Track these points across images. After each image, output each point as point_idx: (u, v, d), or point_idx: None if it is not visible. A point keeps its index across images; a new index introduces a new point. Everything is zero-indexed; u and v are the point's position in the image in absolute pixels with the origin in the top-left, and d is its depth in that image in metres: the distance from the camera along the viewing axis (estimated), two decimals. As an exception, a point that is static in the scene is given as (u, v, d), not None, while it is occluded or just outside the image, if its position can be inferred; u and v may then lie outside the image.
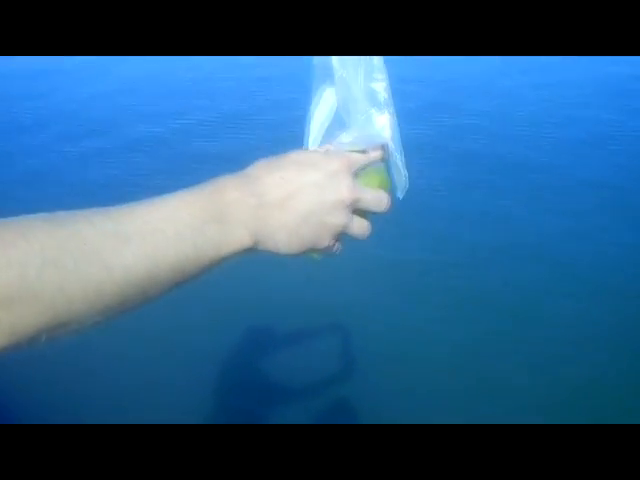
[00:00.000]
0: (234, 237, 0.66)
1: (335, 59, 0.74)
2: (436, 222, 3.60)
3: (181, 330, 2.89)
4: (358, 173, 0.72)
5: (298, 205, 0.68)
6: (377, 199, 0.73)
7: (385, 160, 0.75)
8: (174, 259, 0.62)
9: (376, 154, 0.74)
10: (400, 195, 0.76)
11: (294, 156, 0.71)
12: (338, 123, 0.75)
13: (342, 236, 0.73)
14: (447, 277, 3.18)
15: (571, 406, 2.46)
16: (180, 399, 2.55)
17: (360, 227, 0.73)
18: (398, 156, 0.75)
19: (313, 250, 0.72)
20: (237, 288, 3.04)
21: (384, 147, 0.74)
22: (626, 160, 4.14)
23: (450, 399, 2.51)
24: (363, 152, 0.74)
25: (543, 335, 2.83)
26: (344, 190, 0.69)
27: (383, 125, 0.74)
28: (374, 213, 0.74)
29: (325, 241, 0.71)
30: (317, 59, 0.75)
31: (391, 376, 2.61)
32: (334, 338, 2.80)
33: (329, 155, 0.72)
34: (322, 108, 0.77)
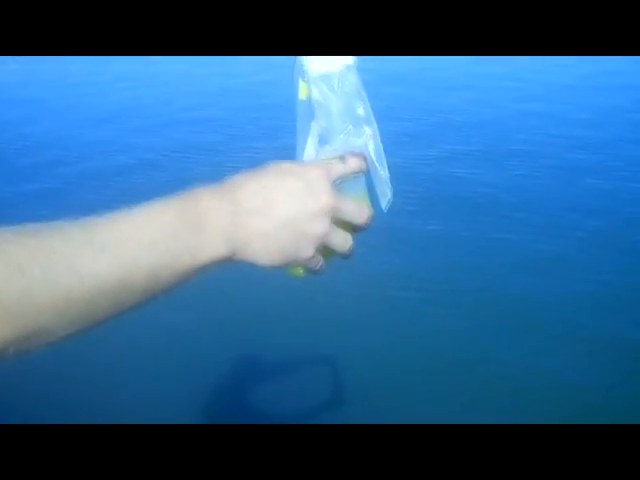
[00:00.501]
0: (210, 245, 0.65)
1: (313, 76, 0.73)
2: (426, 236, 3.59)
3: (179, 333, 2.89)
4: (338, 184, 0.71)
5: (276, 213, 0.67)
6: (358, 209, 0.72)
7: (366, 172, 0.74)
8: (148, 267, 0.61)
9: (355, 163, 0.73)
10: (384, 207, 0.75)
11: (273, 166, 0.70)
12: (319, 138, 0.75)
13: (328, 256, 0.72)
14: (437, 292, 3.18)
15: (570, 406, 2.46)
16: (179, 399, 2.55)
17: (341, 239, 0.71)
18: (379, 167, 0.73)
19: (295, 262, 0.70)
20: (234, 297, 3.06)
21: (365, 159, 0.73)
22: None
23: (449, 399, 2.52)
24: (342, 162, 0.73)
25: (541, 338, 2.83)
26: (323, 198, 0.68)
27: (363, 137, 0.73)
28: (356, 229, 0.73)
29: (306, 251, 0.69)
30: (296, 71, 0.74)
31: (390, 376, 2.61)
32: (330, 343, 2.80)
33: (308, 165, 0.72)
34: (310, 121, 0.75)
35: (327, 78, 0.73)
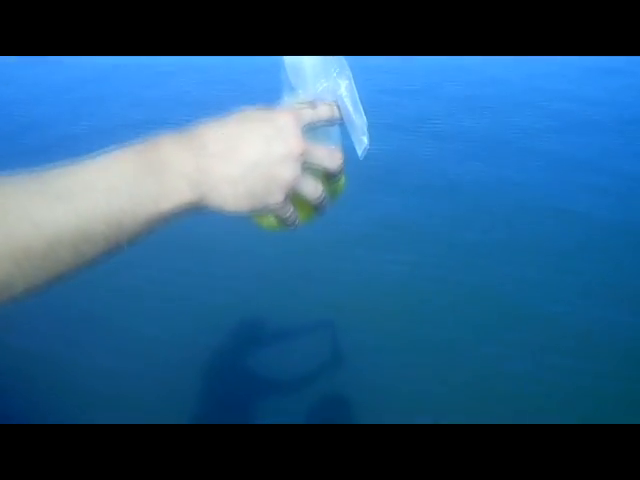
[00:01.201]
0: (173, 190, 0.62)
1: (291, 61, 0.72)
2: (431, 222, 3.60)
3: (177, 331, 2.89)
4: (309, 132, 0.69)
5: (242, 156, 0.64)
6: (329, 154, 0.69)
7: (339, 121, 0.72)
8: (108, 214, 0.59)
9: (326, 110, 0.71)
10: (360, 155, 0.73)
11: (239, 112, 0.67)
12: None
13: (302, 210, 0.69)
14: (439, 278, 3.18)
15: (570, 407, 2.46)
16: (178, 400, 2.55)
17: (312, 186, 0.69)
18: (354, 115, 0.72)
19: (264, 209, 0.67)
20: (232, 286, 3.05)
21: (338, 107, 0.71)
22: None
23: (446, 399, 2.52)
24: (312, 107, 0.70)
25: (539, 337, 2.83)
26: (292, 142, 0.65)
27: (335, 84, 0.71)
28: (329, 177, 0.71)
29: (275, 196, 0.66)
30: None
31: (388, 374, 2.61)
32: (329, 341, 2.80)
33: (275, 110, 0.69)
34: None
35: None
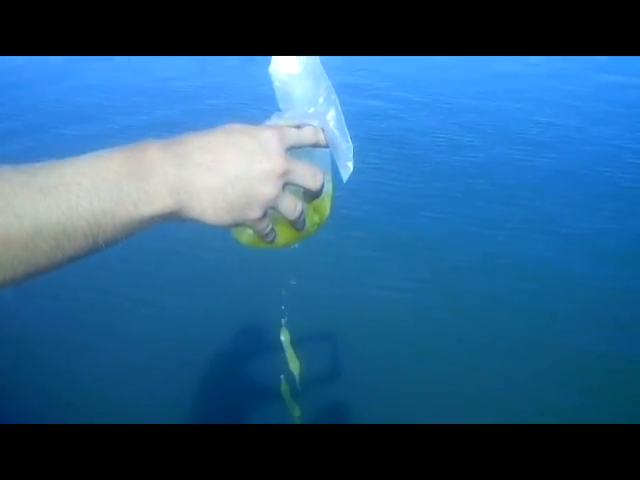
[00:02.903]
0: (154, 196, 0.63)
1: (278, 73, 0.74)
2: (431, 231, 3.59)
3: (176, 331, 2.89)
4: (293, 152, 0.70)
5: (225, 169, 0.65)
6: (311, 173, 0.70)
7: (323, 144, 0.73)
8: (89, 212, 0.60)
9: (311, 132, 0.72)
10: (344, 178, 0.75)
11: (226, 126, 0.69)
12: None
13: (281, 227, 0.70)
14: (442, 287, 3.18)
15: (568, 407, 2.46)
16: (177, 400, 2.55)
17: (290, 203, 0.69)
18: (340, 139, 0.73)
19: (243, 223, 0.69)
20: (230, 287, 3.05)
21: (323, 130, 0.73)
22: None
23: (446, 399, 2.52)
24: (298, 129, 0.72)
25: (540, 338, 2.84)
26: (275, 159, 0.67)
27: (322, 110, 0.73)
28: (309, 196, 0.72)
29: (254, 211, 0.67)
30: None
31: (387, 374, 2.61)
32: (330, 341, 2.80)
33: (261, 126, 0.70)
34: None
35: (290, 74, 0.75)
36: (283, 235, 0.75)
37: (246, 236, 0.76)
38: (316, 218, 0.79)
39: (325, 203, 0.79)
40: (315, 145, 0.73)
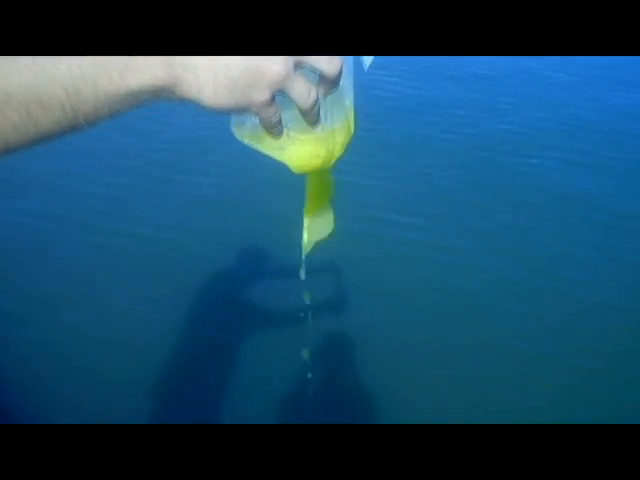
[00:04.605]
0: (144, 64, 0.56)
1: None
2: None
3: (175, 330, 2.89)
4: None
5: (227, 57, 0.57)
6: (327, 58, 0.60)
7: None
8: (66, 76, 0.53)
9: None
10: (366, 67, 0.68)
11: None
12: None
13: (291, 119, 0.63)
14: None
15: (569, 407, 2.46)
16: (177, 400, 2.55)
17: (303, 87, 0.60)
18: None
19: (247, 107, 0.60)
20: (232, 281, 3.05)
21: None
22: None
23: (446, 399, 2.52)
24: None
25: (540, 337, 2.84)
26: (283, 58, 0.58)
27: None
28: (326, 85, 0.63)
29: (261, 93, 0.58)
30: None
31: (386, 374, 2.62)
32: (332, 336, 2.80)
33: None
34: None
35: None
36: (302, 150, 0.67)
37: (249, 131, 0.67)
38: (339, 138, 0.70)
39: (349, 117, 0.71)
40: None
